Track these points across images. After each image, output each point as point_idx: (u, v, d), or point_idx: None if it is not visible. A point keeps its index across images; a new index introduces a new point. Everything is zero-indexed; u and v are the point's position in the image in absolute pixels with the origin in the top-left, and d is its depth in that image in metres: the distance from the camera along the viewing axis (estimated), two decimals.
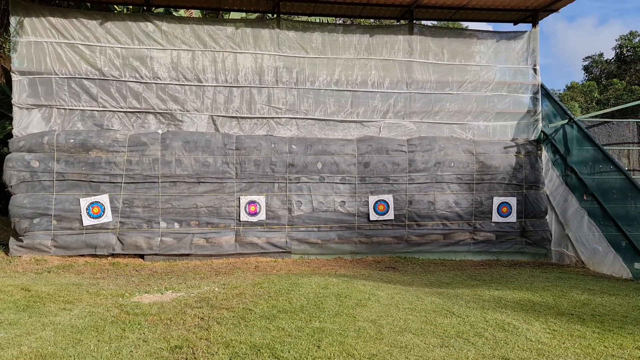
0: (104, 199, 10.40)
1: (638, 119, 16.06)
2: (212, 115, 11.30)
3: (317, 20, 13.58)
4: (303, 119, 11.65)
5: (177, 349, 4.80)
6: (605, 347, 5.14)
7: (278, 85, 11.55)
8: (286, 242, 11.01)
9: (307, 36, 11.71)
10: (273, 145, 11.19)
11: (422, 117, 12.13)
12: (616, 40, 28.92)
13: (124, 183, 10.54)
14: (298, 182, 11.23)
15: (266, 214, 11.01)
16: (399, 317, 6.02)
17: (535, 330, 5.64)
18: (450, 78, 12.22)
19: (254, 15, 13.64)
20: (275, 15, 11.95)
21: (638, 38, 28.06)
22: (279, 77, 11.57)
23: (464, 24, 22.88)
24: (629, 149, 12.53)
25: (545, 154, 12.37)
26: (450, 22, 18.50)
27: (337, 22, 17.26)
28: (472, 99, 12.29)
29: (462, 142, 12.03)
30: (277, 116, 11.55)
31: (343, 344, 4.97)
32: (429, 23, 13.73)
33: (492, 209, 11.89)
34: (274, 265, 10.09)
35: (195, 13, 14.57)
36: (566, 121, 11.80)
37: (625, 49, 28.15)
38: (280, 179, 11.15)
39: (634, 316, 6.42)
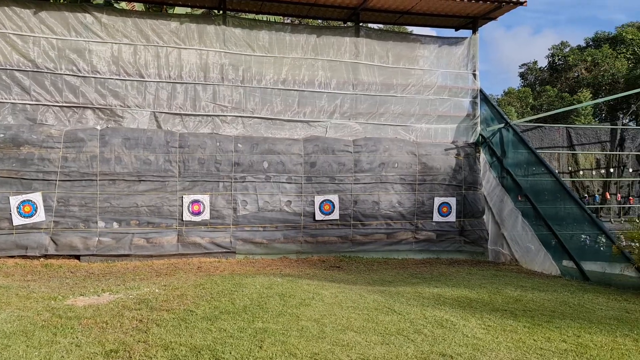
0: (36, 197, 9.90)
1: (568, 124, 17.01)
2: (154, 112, 11.00)
3: (265, 19, 13.49)
4: (249, 117, 11.56)
5: (112, 353, 4.64)
6: (534, 340, 5.41)
7: (224, 83, 11.40)
8: (231, 242, 10.88)
9: (254, 34, 11.62)
10: (218, 144, 11.03)
11: (367, 118, 12.31)
12: (549, 49, 30.55)
13: (59, 181, 10.07)
14: (244, 182, 11.13)
15: (210, 214, 10.84)
16: (342, 315, 6.09)
17: (472, 326, 5.85)
18: (395, 81, 12.46)
19: (199, 11, 13.39)
20: (221, 12, 11.78)
21: (568, 48, 29.70)
22: (225, 75, 11.42)
23: (409, 29, 23.40)
24: (559, 153, 13.25)
25: (483, 156, 12.86)
26: (396, 27, 18.88)
27: (285, 22, 17.23)
28: (416, 102, 12.59)
29: (405, 143, 12.31)
30: (222, 114, 11.39)
31: (285, 344, 4.97)
32: (375, 26, 13.95)
33: (433, 209, 12.23)
34: (218, 266, 9.95)
35: (138, 6, 14.14)
36: (502, 125, 12.31)
37: (557, 58, 29.72)
38: (225, 178, 11.01)
39: (560, 311, 6.79)
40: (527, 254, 11.41)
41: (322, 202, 11.51)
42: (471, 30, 12.99)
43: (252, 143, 11.27)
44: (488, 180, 12.79)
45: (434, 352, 4.95)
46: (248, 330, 5.36)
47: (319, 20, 18.35)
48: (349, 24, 12.66)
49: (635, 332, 5.86)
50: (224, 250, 10.82)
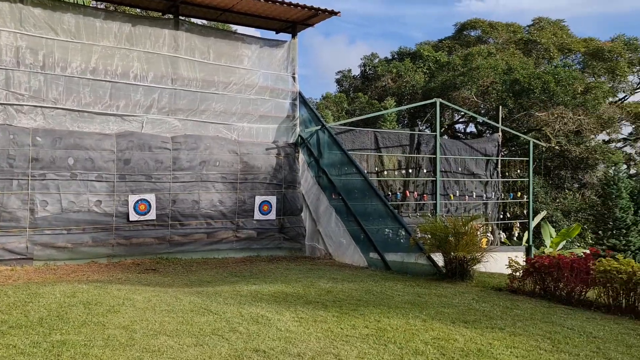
0: None
1: (376, 128, 18.72)
2: None
3: (72, 1, 12.21)
4: (51, 108, 10.37)
5: None
6: (341, 328, 5.82)
7: (19, 68, 10.06)
8: (27, 247, 9.64)
9: (57, 16, 10.45)
10: (12, 137, 9.69)
11: (187, 115, 11.97)
12: (361, 59, 33.16)
13: None
14: (44, 179, 9.95)
15: (1, 216, 9.46)
16: (155, 320, 5.81)
17: (285, 320, 6.07)
18: (217, 78, 12.33)
19: None
20: None
21: (377, 59, 32.75)
22: (22, 59, 10.08)
23: (234, 28, 23.38)
24: (367, 154, 14.48)
25: (302, 157, 13.45)
26: (220, 25, 18.66)
27: (98, 6, 15.83)
28: (237, 101, 12.62)
29: (227, 142, 12.27)
30: (17, 103, 10.03)
31: (87, 356, 4.56)
32: (199, 22, 13.64)
33: (254, 207, 12.41)
34: (10, 275, 8.73)
35: None
36: (319, 127, 13.04)
37: (368, 68, 32.55)
38: (20, 175, 9.72)
39: (365, 299, 7.43)
40: (339, 248, 12.25)
41: (137, 201, 10.86)
42: (291, 35, 13.47)
43: (54, 137, 10.14)
44: (306, 179, 13.42)
45: (248, 348, 5.00)
46: (43, 344, 4.80)
47: (138, 10, 17.30)
48: (169, 16, 12.16)
49: (424, 313, 6.67)
50: (19, 257, 9.55)
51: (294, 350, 5.01)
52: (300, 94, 13.51)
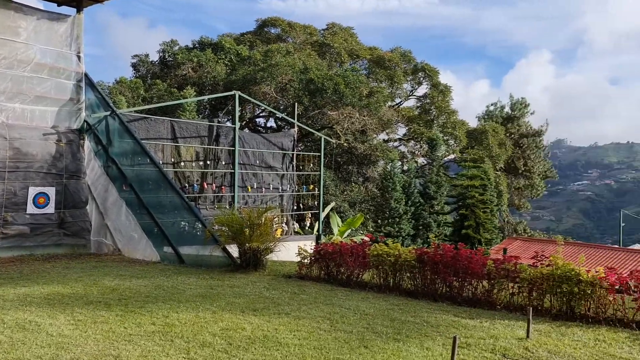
0: None
1: (175, 118, 18.06)
2: None
3: None
4: None
5: None
6: (125, 328, 5.46)
7: None
8: None
9: None
10: None
11: None
12: (160, 45, 31.56)
13: None
14: None
15: None
16: None
17: (59, 324, 5.47)
18: None
19: None
20: None
21: (177, 47, 31.63)
22: None
23: None
24: (163, 144, 13.88)
25: (88, 144, 12.28)
26: None
27: None
28: (7, 77, 10.97)
29: None
30: None
31: None
32: None
33: (27, 200, 10.92)
34: None
35: None
36: (108, 113, 12.05)
37: (167, 54, 31.19)
38: None
39: (154, 295, 7.12)
40: (130, 243, 11.51)
41: None
42: (76, 9, 12.14)
43: None
44: (93, 169, 12.30)
45: (9, 359, 4.38)
46: None
47: None
48: None
49: (215, 305, 6.66)
50: None
51: (66, 356, 4.54)
52: (86, 75, 12.28)
